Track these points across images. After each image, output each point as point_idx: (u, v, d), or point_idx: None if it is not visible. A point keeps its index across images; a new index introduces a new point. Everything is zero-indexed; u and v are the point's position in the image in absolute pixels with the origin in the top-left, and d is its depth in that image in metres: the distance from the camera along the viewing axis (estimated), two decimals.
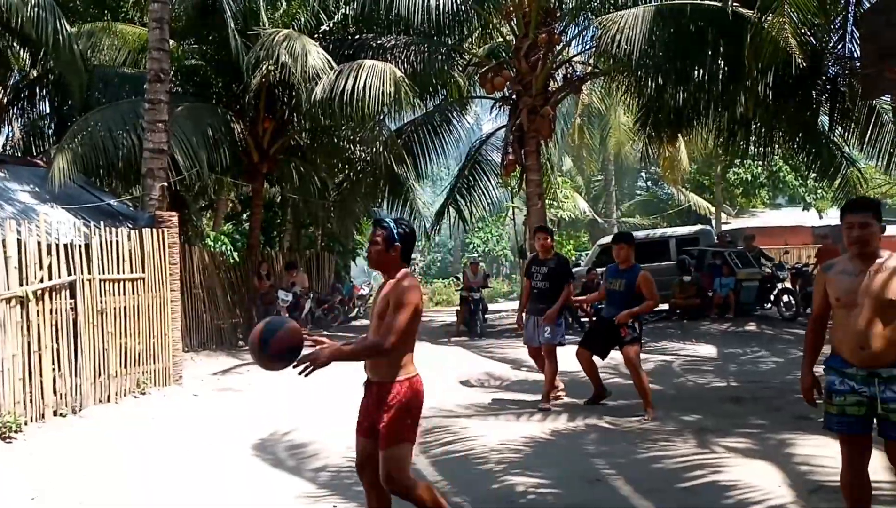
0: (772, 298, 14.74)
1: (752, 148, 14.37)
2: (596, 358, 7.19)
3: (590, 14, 14.33)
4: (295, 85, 12.45)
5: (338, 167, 17.28)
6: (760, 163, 23.58)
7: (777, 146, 14.08)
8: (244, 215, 20.19)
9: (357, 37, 14.74)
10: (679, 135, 15.62)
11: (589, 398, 7.36)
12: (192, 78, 14.82)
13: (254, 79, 12.80)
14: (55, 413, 7.16)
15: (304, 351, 3.47)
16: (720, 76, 11.84)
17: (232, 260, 15.80)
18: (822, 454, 5.07)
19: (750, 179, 28.62)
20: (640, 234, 19.55)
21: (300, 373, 3.37)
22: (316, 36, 14.06)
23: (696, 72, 12.05)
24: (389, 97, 11.89)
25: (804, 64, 10.03)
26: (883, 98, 11.39)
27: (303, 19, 14.13)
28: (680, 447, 5.71)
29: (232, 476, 5.36)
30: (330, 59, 12.13)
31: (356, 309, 19.14)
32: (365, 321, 18.45)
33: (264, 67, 12.51)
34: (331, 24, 15.04)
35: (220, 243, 18.11)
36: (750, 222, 29.44)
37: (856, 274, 3.50)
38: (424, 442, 6.09)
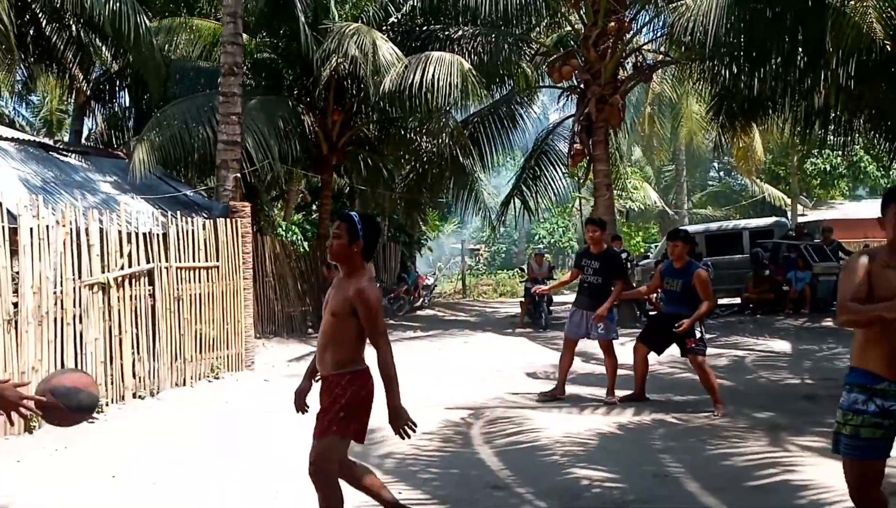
0: None
1: (831, 137, 13.85)
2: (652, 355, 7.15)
3: (660, 1, 14.04)
4: (364, 77, 12.61)
5: (405, 158, 17.43)
6: (840, 153, 22.67)
7: (858, 135, 13.56)
8: (314, 206, 20.57)
9: (425, 28, 14.82)
10: (754, 124, 15.17)
11: (628, 394, 7.25)
12: (264, 71, 15.17)
13: (324, 72, 13.00)
14: (134, 395, 7.50)
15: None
16: (798, 63, 11.43)
17: (302, 250, 16.11)
18: None
19: (828, 169, 27.55)
20: (712, 226, 19.13)
21: (406, 437, 3.49)
22: (384, 28, 14.20)
23: (772, 58, 11.66)
24: (457, 89, 11.97)
25: (890, 49, 9.60)
26: None
27: (371, 11, 14.29)
28: (751, 444, 5.56)
29: (301, 460, 5.48)
30: (398, 52, 12.23)
31: (421, 299, 19.32)
32: (430, 311, 18.58)
33: (334, 60, 12.70)
34: (399, 16, 15.18)
35: (290, 232, 18.50)
36: (828, 214, 28.38)
37: None
38: (489, 432, 6.12)
